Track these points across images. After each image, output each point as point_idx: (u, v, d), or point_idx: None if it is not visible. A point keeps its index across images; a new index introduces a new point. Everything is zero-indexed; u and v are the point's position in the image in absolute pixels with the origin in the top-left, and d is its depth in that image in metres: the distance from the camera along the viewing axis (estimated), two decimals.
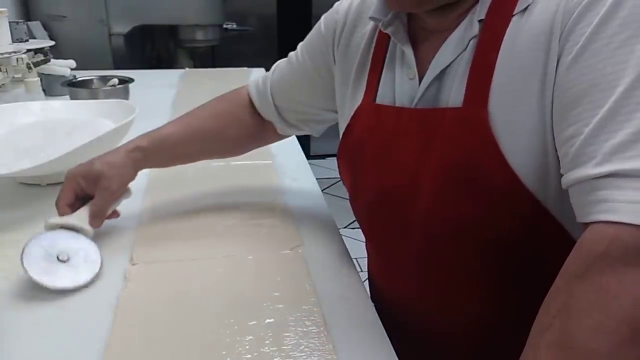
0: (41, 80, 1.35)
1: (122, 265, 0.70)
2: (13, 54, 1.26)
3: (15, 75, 1.30)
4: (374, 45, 0.66)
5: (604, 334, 0.40)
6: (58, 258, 0.66)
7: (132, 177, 0.77)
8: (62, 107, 1.10)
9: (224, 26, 2.48)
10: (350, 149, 0.69)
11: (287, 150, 0.95)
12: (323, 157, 3.17)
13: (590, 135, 0.45)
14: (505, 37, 0.52)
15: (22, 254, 0.64)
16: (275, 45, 3.04)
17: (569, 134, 0.47)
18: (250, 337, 0.57)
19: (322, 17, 0.75)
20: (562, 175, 0.48)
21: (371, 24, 0.67)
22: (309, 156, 1.50)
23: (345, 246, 0.78)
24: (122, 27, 2.16)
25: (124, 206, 0.78)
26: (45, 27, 1.95)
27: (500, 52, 0.53)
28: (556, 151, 0.50)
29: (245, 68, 1.91)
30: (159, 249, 0.74)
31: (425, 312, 0.69)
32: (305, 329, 0.59)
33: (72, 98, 1.33)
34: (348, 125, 0.69)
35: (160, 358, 0.55)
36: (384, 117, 0.63)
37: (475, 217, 0.56)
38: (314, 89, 0.77)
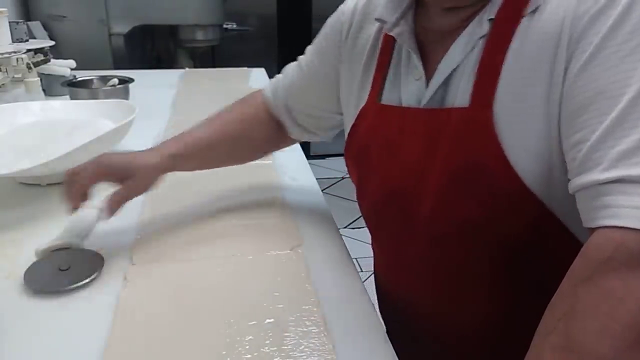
0: (41, 80, 1.35)
1: (122, 265, 0.70)
2: (13, 54, 1.26)
3: (15, 75, 1.30)
4: (380, 45, 0.66)
5: (609, 338, 0.40)
6: (60, 269, 0.67)
7: (159, 182, 0.76)
8: (62, 107, 1.10)
9: (224, 26, 2.48)
10: (356, 149, 0.69)
11: (287, 150, 0.95)
12: (323, 157, 3.17)
13: (597, 141, 0.45)
14: (513, 38, 0.52)
15: (24, 276, 0.65)
16: (275, 45, 3.04)
17: (576, 140, 0.47)
18: (250, 337, 0.57)
19: (328, 20, 0.75)
20: (569, 180, 0.49)
21: (377, 24, 0.66)
22: (309, 156, 1.50)
23: (345, 246, 0.78)
24: (122, 27, 2.16)
25: (125, 206, 0.78)
26: (45, 27, 1.94)
27: (508, 53, 0.52)
28: (562, 155, 0.50)
29: (245, 68, 1.90)
30: (159, 249, 0.74)
31: (431, 312, 0.69)
32: (305, 329, 0.59)
33: (72, 98, 1.33)
34: (353, 125, 0.69)
35: (160, 358, 0.55)
36: (390, 117, 0.63)
37: (480, 218, 0.56)
38: (325, 93, 0.77)
